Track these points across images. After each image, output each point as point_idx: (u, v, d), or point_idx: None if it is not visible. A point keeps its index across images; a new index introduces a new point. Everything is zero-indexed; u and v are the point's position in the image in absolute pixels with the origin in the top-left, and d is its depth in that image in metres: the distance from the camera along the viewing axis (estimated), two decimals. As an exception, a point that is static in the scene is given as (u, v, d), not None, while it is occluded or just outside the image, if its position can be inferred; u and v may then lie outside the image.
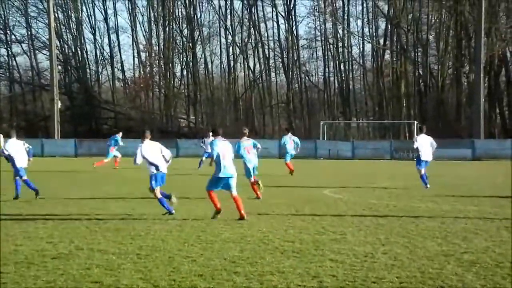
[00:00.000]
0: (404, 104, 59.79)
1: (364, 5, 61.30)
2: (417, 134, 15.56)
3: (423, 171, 16.53)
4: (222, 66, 64.47)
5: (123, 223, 9.93)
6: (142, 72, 64.81)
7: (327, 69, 62.36)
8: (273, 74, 64.83)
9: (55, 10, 58.05)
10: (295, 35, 62.37)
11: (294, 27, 62.37)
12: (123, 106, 64.62)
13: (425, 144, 16.72)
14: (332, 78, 62.94)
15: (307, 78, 63.91)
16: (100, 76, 66.73)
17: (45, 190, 14.61)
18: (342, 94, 61.40)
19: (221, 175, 10.43)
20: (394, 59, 61.30)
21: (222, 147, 10.55)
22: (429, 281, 5.90)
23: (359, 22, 62.22)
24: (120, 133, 27.67)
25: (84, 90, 64.05)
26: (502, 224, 9.59)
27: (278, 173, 21.74)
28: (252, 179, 14.00)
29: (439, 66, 59.28)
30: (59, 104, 48.35)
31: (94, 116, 64.25)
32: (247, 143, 14.13)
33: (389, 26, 60.50)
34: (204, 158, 25.57)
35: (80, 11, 64.06)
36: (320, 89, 63.50)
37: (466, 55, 57.84)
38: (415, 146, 16.84)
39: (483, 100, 44.79)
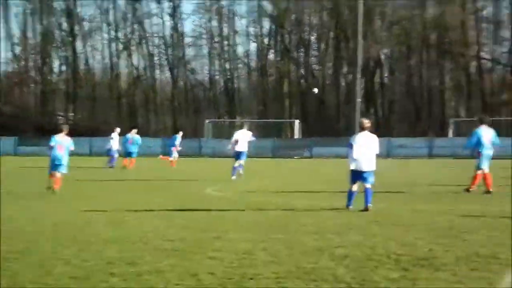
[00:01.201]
0: (287, 103, 61.43)
1: (249, 4, 62.29)
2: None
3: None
4: (104, 62, 62.81)
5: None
6: (16, 66, 61.62)
7: (212, 67, 62.67)
8: (157, 72, 64.16)
9: None
10: (181, 33, 62.09)
11: (179, 24, 62.06)
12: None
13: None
14: (217, 77, 63.34)
15: (192, 76, 63.85)
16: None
17: None
18: (227, 93, 61.98)
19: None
20: (278, 58, 62.79)
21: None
22: (304, 275, 6.10)
23: (244, 21, 63.15)
24: None
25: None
26: (373, 218, 10.11)
27: (161, 171, 21.54)
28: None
29: (320, 67, 61.45)
30: None
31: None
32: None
33: (273, 26, 61.86)
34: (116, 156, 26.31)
35: None
36: (206, 87, 63.70)
37: (344, 57, 60.39)
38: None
39: (359, 100, 46.99)
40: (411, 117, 60.20)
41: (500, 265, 6.41)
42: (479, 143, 14.77)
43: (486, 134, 14.82)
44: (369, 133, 11.50)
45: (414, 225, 9.41)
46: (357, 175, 11.30)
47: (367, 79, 59.96)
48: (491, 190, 14.34)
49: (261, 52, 62.34)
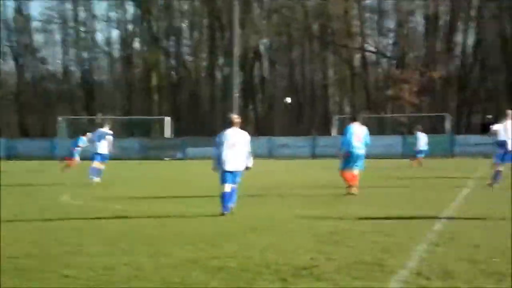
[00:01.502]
0: (156, 98, 60.94)
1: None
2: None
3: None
4: None
5: None
6: None
7: (66, 56, 60.74)
8: (-1, 61, 61.19)
9: None
10: (26, 16, 59.57)
11: (23, 6, 59.50)
12: None
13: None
14: (73, 68, 61.49)
15: (42, 66, 61.52)
16: None
17: None
18: (85, 86, 60.34)
19: None
20: (145, 48, 62.12)
21: None
22: (172, 291, 6.08)
23: (104, 5, 61.86)
24: None
25: None
26: (250, 226, 10.28)
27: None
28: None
29: (193, 58, 61.58)
30: None
31: None
32: None
33: (138, 11, 61.12)
34: None
35: None
36: (59, 79, 61.62)
37: (220, 47, 60.96)
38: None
39: (237, 95, 47.66)
40: (293, 114, 62.00)
41: (383, 272, 6.73)
42: (348, 142, 15.40)
43: (358, 132, 15.44)
44: (239, 129, 11.78)
45: (295, 231, 9.67)
46: (228, 175, 11.54)
47: (246, 72, 60.88)
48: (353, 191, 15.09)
49: (125, 41, 61.28)
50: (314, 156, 42.86)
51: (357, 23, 61.50)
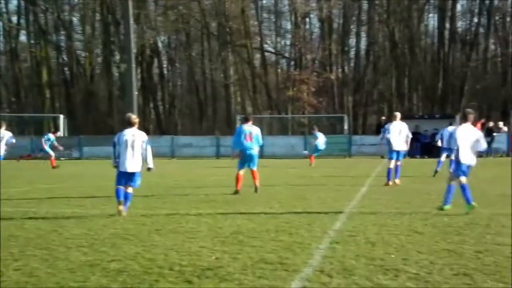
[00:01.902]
0: (48, 95, 59.00)
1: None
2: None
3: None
4: None
5: None
6: None
7: None
8: None
9: None
10: None
11: None
12: None
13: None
14: None
15: None
16: None
17: None
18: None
19: None
20: (32, 41, 59.94)
21: None
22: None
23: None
24: None
25: None
26: (152, 227, 10.12)
27: None
28: None
29: (87, 53, 60.05)
30: None
31: None
32: None
33: (21, 2, 58.77)
34: None
35: None
36: None
37: (115, 42, 59.78)
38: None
39: (136, 93, 47.00)
40: (195, 113, 61.91)
41: (287, 271, 6.80)
42: (239, 142, 15.73)
43: (249, 132, 15.81)
44: (137, 130, 11.75)
45: (199, 232, 9.61)
46: (124, 176, 11.48)
47: (143, 69, 60.12)
48: (258, 186, 15.76)
49: (8, 33, 58.76)
50: (218, 155, 42.92)
51: (255, 23, 62.08)
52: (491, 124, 37.96)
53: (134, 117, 11.91)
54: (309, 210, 12.13)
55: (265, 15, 64.94)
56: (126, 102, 47.41)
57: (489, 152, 37.30)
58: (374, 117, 62.29)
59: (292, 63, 61.35)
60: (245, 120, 16.36)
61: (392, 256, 7.59)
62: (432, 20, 64.21)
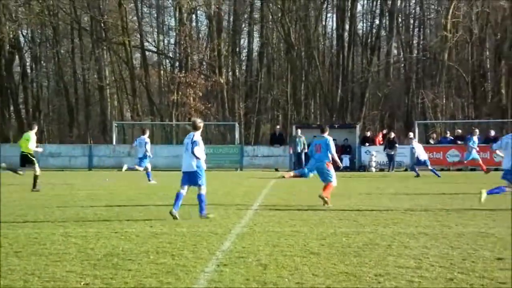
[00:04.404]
0: None
1: None
2: None
3: None
4: None
5: None
6: None
7: None
8: None
9: None
10: None
11: None
12: None
13: None
14: None
15: None
16: None
17: None
18: None
19: None
20: None
21: None
22: None
23: None
24: None
25: None
26: (12, 249, 9.80)
27: None
28: None
29: None
30: None
31: None
32: None
33: None
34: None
35: None
36: None
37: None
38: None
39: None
40: (64, 118, 60.67)
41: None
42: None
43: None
44: None
45: (65, 253, 9.40)
46: None
47: (3, 67, 58.20)
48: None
49: None
50: (91, 167, 41.97)
51: (134, 18, 61.39)
52: (392, 135, 39.24)
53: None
54: (194, 229, 12.11)
55: (145, 9, 64.47)
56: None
57: (391, 165, 38.67)
58: (268, 126, 63.04)
59: (177, 64, 61.08)
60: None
61: (286, 280, 7.69)
62: (331, 20, 65.95)
